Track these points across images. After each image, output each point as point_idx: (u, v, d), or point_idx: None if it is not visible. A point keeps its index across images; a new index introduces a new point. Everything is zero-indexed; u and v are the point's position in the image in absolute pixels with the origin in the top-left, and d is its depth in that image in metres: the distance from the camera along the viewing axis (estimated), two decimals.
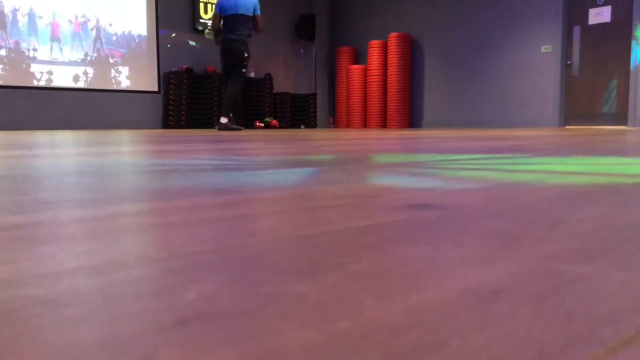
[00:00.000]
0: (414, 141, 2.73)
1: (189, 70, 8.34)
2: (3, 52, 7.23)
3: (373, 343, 0.24)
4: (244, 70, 5.68)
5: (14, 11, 7.27)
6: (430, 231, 0.50)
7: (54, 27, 7.56)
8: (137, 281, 0.34)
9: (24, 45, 7.36)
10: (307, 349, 0.23)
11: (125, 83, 8.18)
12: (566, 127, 7.19)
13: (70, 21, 7.68)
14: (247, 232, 0.49)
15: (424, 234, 0.49)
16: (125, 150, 1.95)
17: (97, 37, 7.94)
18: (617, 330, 0.25)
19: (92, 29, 7.88)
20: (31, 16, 7.38)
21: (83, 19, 7.81)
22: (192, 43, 8.72)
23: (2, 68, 7.24)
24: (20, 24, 7.31)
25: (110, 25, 8.02)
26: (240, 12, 5.54)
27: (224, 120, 5.66)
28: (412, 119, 9.14)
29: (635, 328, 0.26)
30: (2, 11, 7.17)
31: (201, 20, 8.73)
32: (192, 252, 0.42)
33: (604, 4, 6.89)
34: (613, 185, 0.84)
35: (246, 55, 5.64)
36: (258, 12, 5.62)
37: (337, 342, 0.24)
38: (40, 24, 7.45)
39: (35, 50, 7.44)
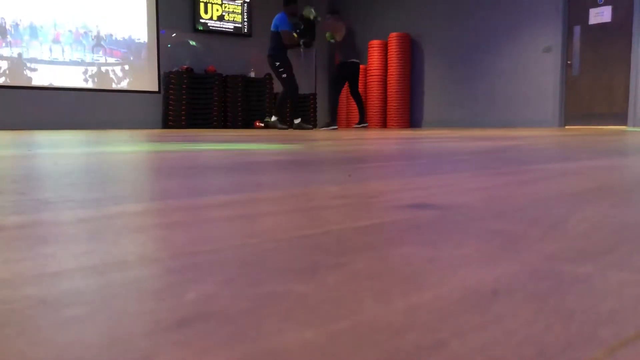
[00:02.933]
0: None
1: (189, 70, 8.34)
2: (4, 52, 7.24)
3: (373, 343, 0.24)
4: (284, 76, 6.55)
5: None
6: (430, 231, 0.50)
7: (55, 35, 7.58)
8: (137, 281, 0.34)
9: (24, 45, 7.37)
10: (307, 349, 0.23)
11: (125, 83, 8.18)
12: (566, 127, 7.19)
13: (71, 31, 7.69)
14: (247, 232, 0.49)
15: (424, 234, 0.49)
16: (126, 150, 1.95)
17: (98, 37, 7.94)
18: (617, 330, 0.25)
19: (93, 32, 7.89)
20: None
21: (83, 25, 7.80)
22: (192, 43, 8.72)
23: (3, 68, 7.24)
24: (21, 31, 7.31)
25: (111, 25, 8.02)
26: (272, 29, 6.63)
27: (273, 118, 6.77)
28: (412, 119, 9.14)
29: (635, 328, 0.26)
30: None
31: (201, 20, 8.74)
32: (192, 252, 0.42)
33: (604, 4, 6.89)
34: (611, 185, 0.84)
35: (277, 63, 6.55)
36: (281, 28, 6.53)
37: (337, 342, 0.24)
38: (41, 33, 7.47)
39: (36, 51, 7.45)
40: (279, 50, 6.54)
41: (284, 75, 6.51)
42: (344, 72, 6.89)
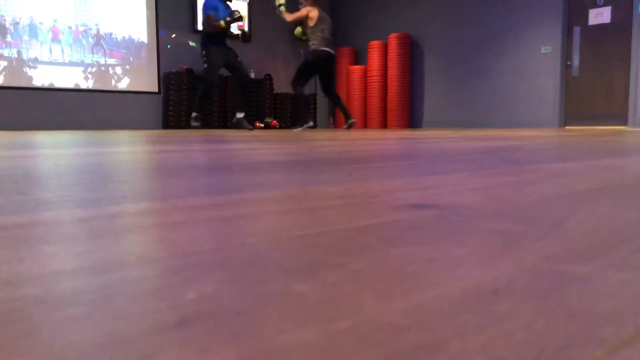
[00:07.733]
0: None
1: (189, 71, 8.34)
2: (4, 52, 7.24)
3: (373, 343, 0.24)
4: (205, 66, 6.02)
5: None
6: (430, 231, 0.50)
7: (54, 32, 7.58)
8: (137, 281, 0.34)
9: (24, 45, 7.37)
10: (307, 349, 0.23)
11: (125, 84, 8.18)
12: (566, 127, 7.19)
13: (70, 28, 7.69)
14: (247, 232, 0.49)
15: (424, 234, 0.49)
16: (126, 151, 1.95)
17: (98, 37, 7.95)
18: (617, 330, 0.25)
19: (92, 30, 7.89)
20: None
21: (83, 23, 7.81)
22: (192, 44, 8.72)
23: (2, 68, 7.24)
24: (20, 31, 7.32)
25: (111, 26, 8.02)
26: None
27: (193, 114, 6.15)
28: (412, 119, 9.14)
29: (635, 328, 0.26)
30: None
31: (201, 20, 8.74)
32: (192, 252, 0.42)
33: (604, 5, 6.89)
34: (610, 184, 0.84)
35: (203, 52, 5.99)
36: (204, 10, 5.92)
37: (337, 342, 0.24)
38: (41, 32, 7.47)
39: (36, 51, 7.45)
40: (204, 36, 5.96)
41: (205, 66, 5.97)
42: (316, 62, 6.22)
